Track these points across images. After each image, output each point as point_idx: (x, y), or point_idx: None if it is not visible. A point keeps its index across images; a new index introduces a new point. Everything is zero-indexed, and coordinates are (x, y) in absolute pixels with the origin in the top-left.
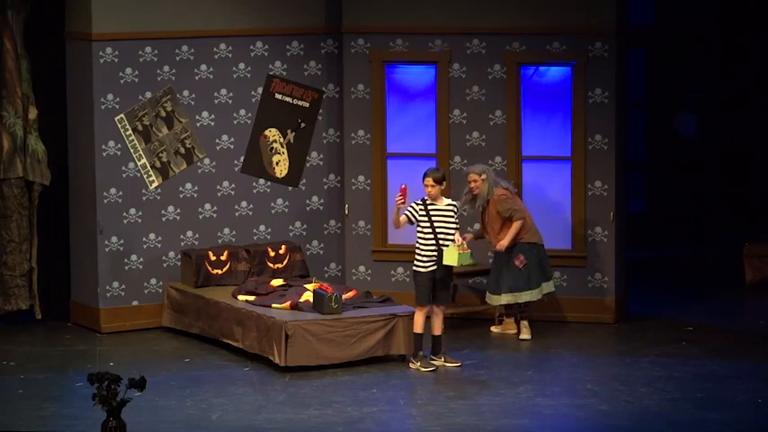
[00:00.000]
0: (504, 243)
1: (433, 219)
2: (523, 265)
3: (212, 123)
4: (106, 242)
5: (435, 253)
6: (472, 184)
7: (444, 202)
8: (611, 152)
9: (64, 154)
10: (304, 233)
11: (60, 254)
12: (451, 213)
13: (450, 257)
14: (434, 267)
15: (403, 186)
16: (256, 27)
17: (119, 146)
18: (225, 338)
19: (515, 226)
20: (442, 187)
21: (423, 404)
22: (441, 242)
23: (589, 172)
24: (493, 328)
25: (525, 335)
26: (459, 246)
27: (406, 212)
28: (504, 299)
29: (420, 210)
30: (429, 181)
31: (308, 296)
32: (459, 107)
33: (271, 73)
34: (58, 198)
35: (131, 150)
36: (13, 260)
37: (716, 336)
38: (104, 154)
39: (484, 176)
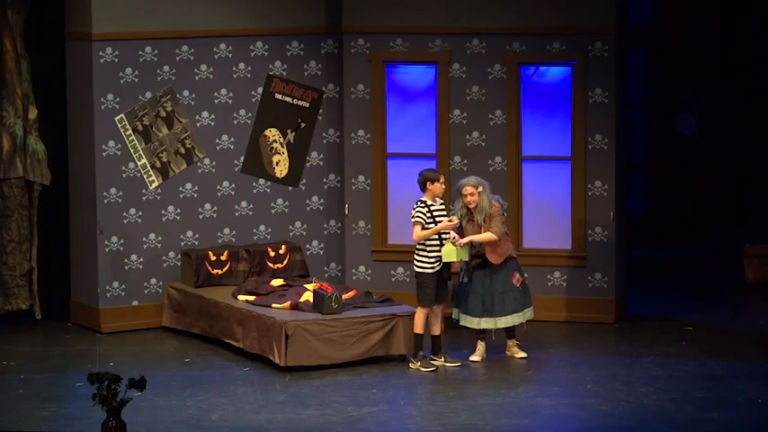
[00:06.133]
0: (465, 240)
1: (437, 219)
2: (520, 282)
3: (212, 123)
4: (106, 242)
5: (441, 253)
6: (469, 198)
7: (438, 201)
8: (611, 152)
9: (64, 154)
10: (304, 233)
11: (60, 254)
12: (444, 211)
13: (449, 254)
14: (440, 267)
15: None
16: (256, 27)
17: (119, 146)
18: (225, 338)
19: (487, 237)
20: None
21: (423, 404)
22: (443, 241)
23: (589, 172)
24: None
25: (476, 356)
26: (454, 241)
27: (420, 222)
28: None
29: (426, 214)
30: (442, 179)
31: (308, 296)
32: (459, 107)
33: (271, 73)
34: (58, 198)
35: (131, 150)
36: (14, 260)
37: (716, 336)
38: (104, 154)
39: (480, 189)
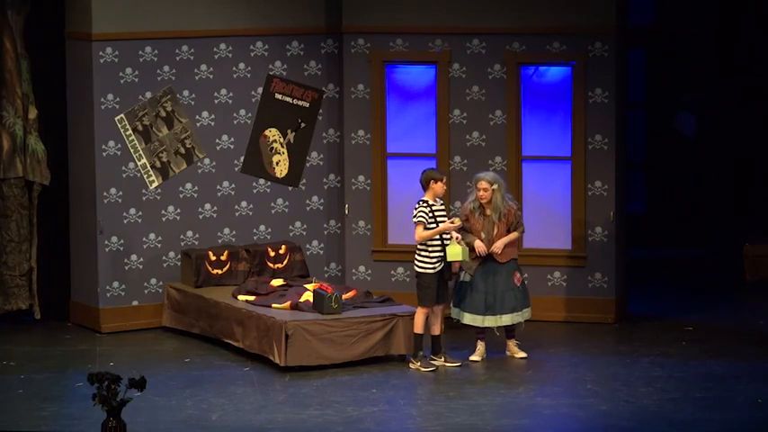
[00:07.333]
0: (500, 245)
1: (438, 219)
2: (520, 281)
3: (212, 123)
4: (106, 242)
5: (442, 253)
6: (481, 192)
7: (438, 201)
8: (611, 152)
9: (64, 154)
10: (304, 233)
11: (60, 254)
12: (444, 211)
13: (455, 254)
14: (441, 267)
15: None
16: (256, 27)
17: (119, 146)
18: (225, 338)
19: (515, 235)
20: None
21: (423, 404)
22: (444, 241)
23: (589, 172)
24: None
25: (476, 356)
26: (459, 241)
27: (423, 222)
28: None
29: (429, 214)
30: (445, 180)
31: (308, 296)
32: (459, 107)
33: (271, 73)
34: (58, 198)
35: (131, 150)
36: (13, 260)
37: (716, 336)
38: (104, 154)
39: (495, 186)
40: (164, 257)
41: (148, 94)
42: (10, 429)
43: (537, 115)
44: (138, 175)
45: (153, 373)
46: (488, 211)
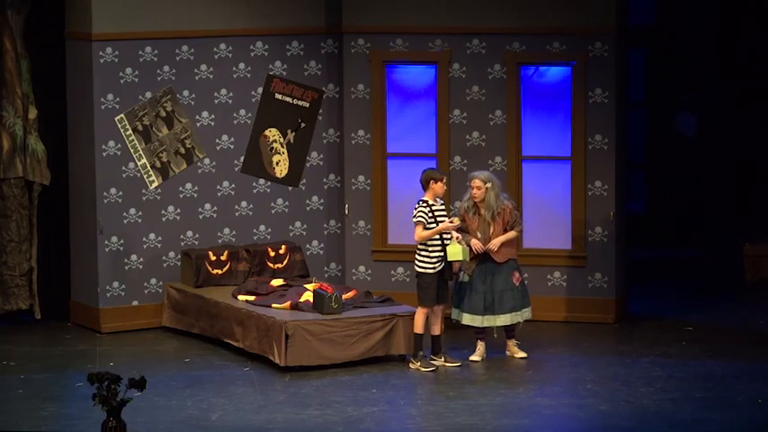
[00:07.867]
0: (496, 242)
1: (438, 219)
2: (519, 281)
3: (212, 123)
4: (106, 242)
5: (442, 252)
6: (475, 191)
7: (439, 201)
8: (611, 152)
9: (64, 154)
10: (304, 233)
11: (60, 254)
12: (445, 211)
13: (456, 253)
14: (441, 267)
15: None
16: (256, 27)
17: (119, 146)
18: (225, 338)
19: (512, 234)
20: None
21: (423, 404)
22: (444, 241)
23: (589, 172)
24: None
25: (476, 356)
26: (459, 241)
27: (422, 222)
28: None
29: (428, 214)
30: (445, 180)
31: (308, 296)
32: (459, 107)
33: (271, 73)
34: (58, 198)
35: (131, 150)
36: (13, 260)
37: (716, 336)
38: (104, 154)
39: (489, 185)
40: (164, 257)
41: (148, 94)
42: (10, 429)
43: (537, 115)
44: (138, 175)
45: (153, 373)
46: (483, 210)
